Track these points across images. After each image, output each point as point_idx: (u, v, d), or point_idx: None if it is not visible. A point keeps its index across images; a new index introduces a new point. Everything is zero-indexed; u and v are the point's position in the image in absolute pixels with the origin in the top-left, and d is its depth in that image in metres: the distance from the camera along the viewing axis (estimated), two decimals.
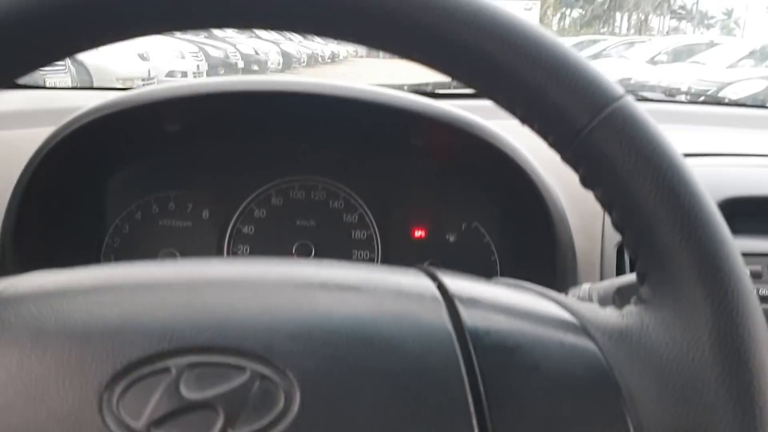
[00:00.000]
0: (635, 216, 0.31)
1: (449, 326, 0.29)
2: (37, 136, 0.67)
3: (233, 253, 0.78)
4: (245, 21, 0.33)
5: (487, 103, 0.36)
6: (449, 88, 1.08)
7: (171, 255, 0.77)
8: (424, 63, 0.35)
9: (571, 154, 0.33)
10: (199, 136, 0.77)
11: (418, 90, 1.06)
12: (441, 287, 0.32)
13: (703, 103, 1.19)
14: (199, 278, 0.32)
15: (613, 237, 0.67)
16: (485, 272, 0.78)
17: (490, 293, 0.33)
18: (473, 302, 0.31)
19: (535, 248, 0.70)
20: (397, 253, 0.79)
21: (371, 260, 0.79)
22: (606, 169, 0.32)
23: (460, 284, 0.33)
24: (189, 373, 0.26)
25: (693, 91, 5.98)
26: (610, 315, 0.32)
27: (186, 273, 0.32)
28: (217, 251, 0.78)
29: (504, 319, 0.31)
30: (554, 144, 0.34)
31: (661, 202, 0.30)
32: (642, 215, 0.31)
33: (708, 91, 5.88)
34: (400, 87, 1.08)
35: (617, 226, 0.33)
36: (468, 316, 0.30)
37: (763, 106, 1.14)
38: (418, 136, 0.73)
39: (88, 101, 0.91)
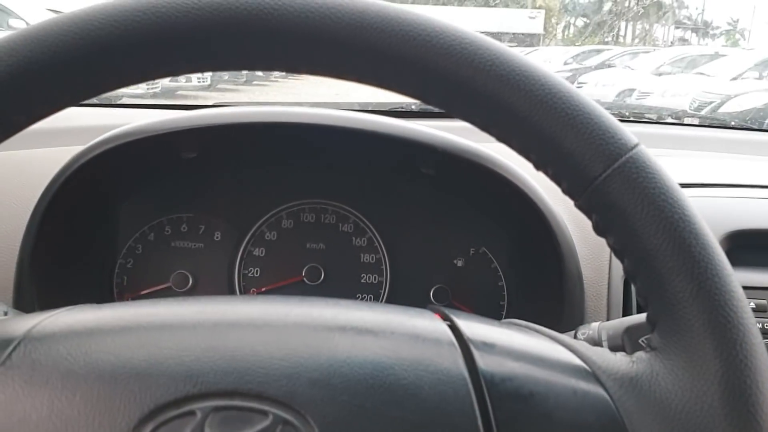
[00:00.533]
0: (647, 265, 0.32)
1: (465, 373, 0.30)
2: (54, 156, 0.68)
3: (244, 275, 0.79)
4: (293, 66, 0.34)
5: None
6: None
7: (183, 276, 0.78)
8: (440, 107, 0.35)
9: (584, 202, 0.34)
10: (213, 162, 0.78)
11: (425, 109, 1.07)
12: (455, 331, 0.33)
13: (708, 126, 1.19)
14: (222, 319, 0.33)
15: (620, 267, 0.67)
16: (492, 297, 0.79)
17: (503, 338, 0.34)
18: (487, 347, 0.32)
19: (542, 275, 0.71)
20: (406, 276, 0.80)
21: (380, 283, 0.80)
22: (619, 218, 0.32)
23: (474, 328, 0.34)
24: (213, 417, 0.27)
25: (697, 103, 5.98)
26: (620, 361, 0.33)
27: (210, 313, 0.33)
28: (228, 273, 0.79)
29: (518, 365, 0.31)
30: (568, 191, 0.35)
31: (673, 253, 0.31)
32: (653, 264, 0.32)
33: (712, 102, 5.88)
34: (408, 105, 1.10)
35: (629, 273, 0.34)
36: (483, 362, 0.31)
37: (764, 130, 1.15)
38: (430, 166, 0.73)
39: (102, 119, 0.92)
